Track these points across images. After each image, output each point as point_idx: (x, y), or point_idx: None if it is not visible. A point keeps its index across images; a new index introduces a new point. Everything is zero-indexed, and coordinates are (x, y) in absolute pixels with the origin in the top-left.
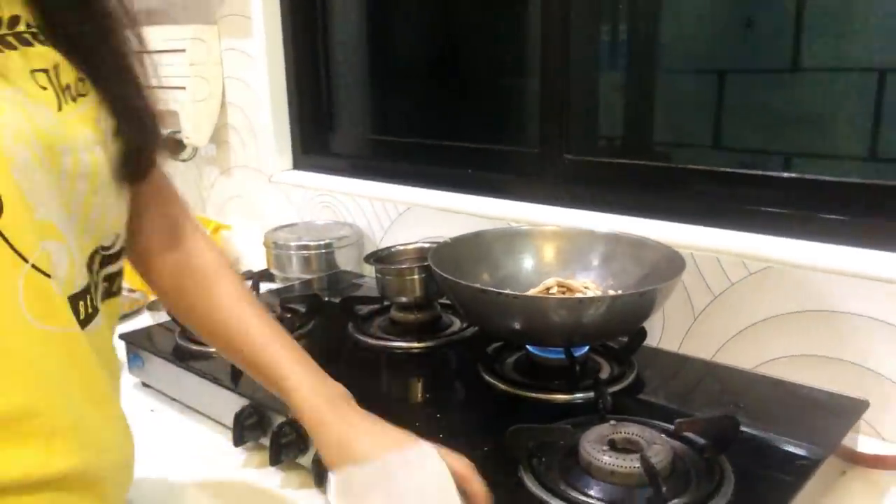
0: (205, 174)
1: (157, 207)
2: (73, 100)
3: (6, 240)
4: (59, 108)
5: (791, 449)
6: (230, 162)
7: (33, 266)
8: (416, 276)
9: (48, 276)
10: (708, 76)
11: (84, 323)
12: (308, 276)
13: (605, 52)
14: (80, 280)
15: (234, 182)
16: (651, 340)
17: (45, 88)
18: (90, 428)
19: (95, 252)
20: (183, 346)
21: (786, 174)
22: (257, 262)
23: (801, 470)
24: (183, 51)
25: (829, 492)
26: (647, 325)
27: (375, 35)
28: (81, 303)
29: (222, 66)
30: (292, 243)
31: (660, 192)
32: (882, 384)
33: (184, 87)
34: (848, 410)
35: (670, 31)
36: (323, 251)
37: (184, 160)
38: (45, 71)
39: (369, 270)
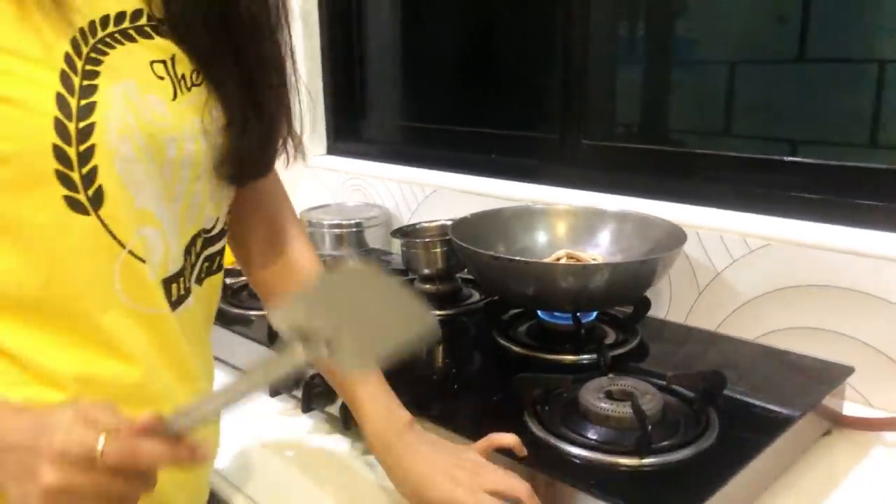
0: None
1: (261, 213)
2: (188, 89)
3: (106, 227)
4: (174, 98)
5: (774, 407)
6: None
7: (130, 252)
8: (438, 249)
9: (143, 261)
10: (720, 66)
11: (175, 305)
12: (339, 253)
13: (623, 44)
14: (174, 264)
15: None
16: (659, 313)
17: (161, 78)
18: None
19: (197, 235)
20: (224, 310)
21: (787, 158)
22: None
23: (779, 423)
24: None
25: (814, 448)
26: (654, 299)
27: (407, 27)
28: (174, 285)
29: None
30: (325, 222)
31: (670, 176)
32: (870, 353)
33: None
34: (833, 376)
35: (686, 24)
36: (353, 230)
37: None
38: (164, 62)
39: (396, 248)
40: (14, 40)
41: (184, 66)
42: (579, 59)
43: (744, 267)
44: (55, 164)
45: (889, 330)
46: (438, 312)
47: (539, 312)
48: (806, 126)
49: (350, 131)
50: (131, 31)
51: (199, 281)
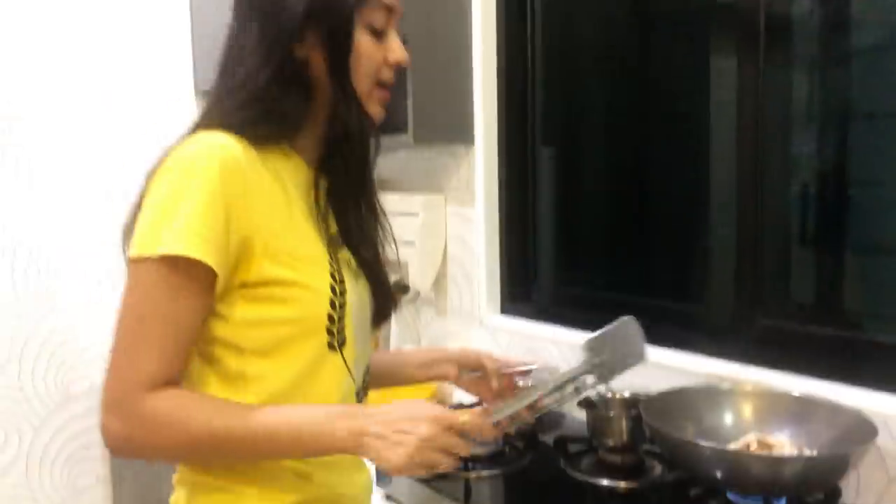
0: (422, 313)
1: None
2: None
3: (344, 360)
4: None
5: None
6: (446, 305)
7: (350, 375)
8: (623, 423)
9: (354, 381)
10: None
11: None
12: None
13: (796, 221)
14: (361, 381)
15: (447, 323)
16: (847, 498)
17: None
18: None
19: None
20: None
21: None
22: (468, 397)
23: None
24: (416, 214)
25: None
26: (843, 484)
27: (569, 205)
28: (357, 396)
29: (446, 227)
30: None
31: (851, 360)
32: None
33: (413, 242)
34: None
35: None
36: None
37: (407, 302)
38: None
39: (570, 409)
40: (299, 245)
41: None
42: (753, 238)
43: None
44: (327, 324)
45: None
46: (623, 485)
47: (728, 494)
48: None
49: (522, 294)
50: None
51: (365, 391)
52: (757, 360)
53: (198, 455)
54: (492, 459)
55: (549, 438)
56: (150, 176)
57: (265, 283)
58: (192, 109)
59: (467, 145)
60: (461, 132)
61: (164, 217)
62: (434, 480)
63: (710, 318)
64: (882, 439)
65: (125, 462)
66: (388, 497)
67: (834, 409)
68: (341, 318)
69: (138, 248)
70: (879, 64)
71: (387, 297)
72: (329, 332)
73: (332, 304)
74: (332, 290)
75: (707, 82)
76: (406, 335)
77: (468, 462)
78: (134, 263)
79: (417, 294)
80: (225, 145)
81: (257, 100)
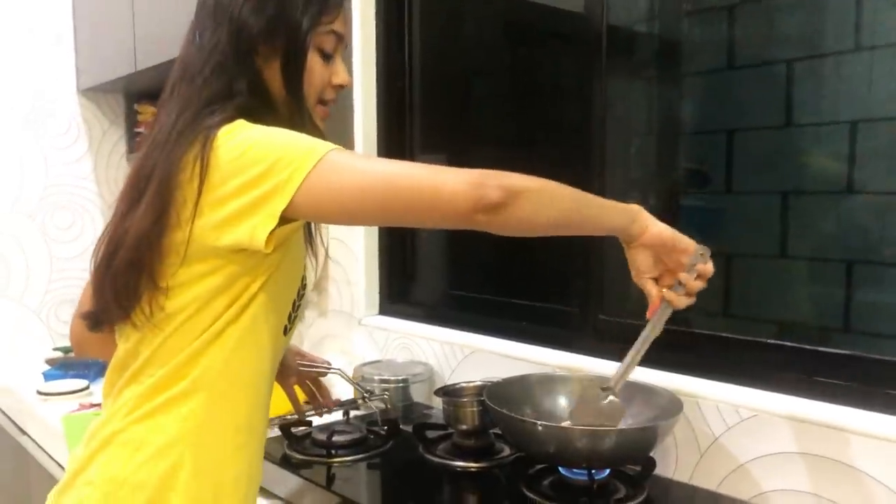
0: (305, 314)
1: None
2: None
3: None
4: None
5: None
6: (327, 306)
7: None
8: (475, 409)
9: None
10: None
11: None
12: (384, 406)
13: None
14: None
15: (329, 323)
16: (667, 472)
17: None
18: None
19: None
20: (289, 455)
21: (775, 341)
22: (347, 392)
23: None
24: None
25: None
26: (663, 459)
27: None
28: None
29: (328, 230)
30: (376, 377)
31: (676, 350)
32: None
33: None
34: None
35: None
36: (401, 385)
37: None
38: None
39: (437, 403)
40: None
41: None
42: (595, 247)
43: (737, 434)
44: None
45: (858, 495)
46: (473, 465)
47: (560, 468)
48: (789, 311)
49: (400, 294)
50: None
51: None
52: (597, 352)
53: (559, 204)
54: (354, 446)
55: (409, 426)
56: (214, 151)
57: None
58: (74, 108)
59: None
60: (341, 141)
61: (292, 143)
62: (300, 468)
63: (563, 317)
64: (695, 419)
65: None
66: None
67: (650, 391)
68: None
69: (320, 150)
70: (713, 83)
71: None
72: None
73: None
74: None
75: (575, 92)
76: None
77: (330, 449)
78: (332, 157)
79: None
80: None
81: (240, 110)
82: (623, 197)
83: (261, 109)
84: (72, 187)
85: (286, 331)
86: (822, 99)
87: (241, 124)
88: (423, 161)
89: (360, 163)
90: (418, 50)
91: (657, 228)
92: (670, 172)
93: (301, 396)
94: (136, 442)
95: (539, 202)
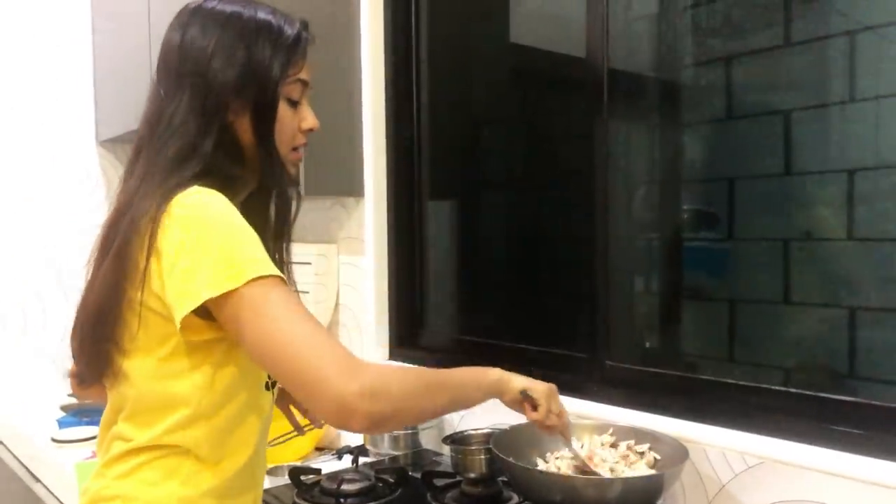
0: None
1: None
2: None
3: (273, 394)
4: None
5: None
6: None
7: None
8: (482, 457)
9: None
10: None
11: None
12: (396, 453)
13: (640, 283)
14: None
15: None
16: None
17: None
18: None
19: None
20: (298, 503)
21: (780, 387)
22: (355, 439)
23: None
24: (309, 263)
25: None
26: None
27: (462, 255)
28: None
29: (338, 276)
30: None
31: (682, 396)
32: None
33: (307, 292)
34: None
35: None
36: (409, 432)
37: None
38: None
39: (446, 450)
40: None
41: None
42: (603, 295)
43: (745, 481)
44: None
45: None
46: None
47: None
48: (794, 357)
49: (410, 339)
50: None
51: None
52: (606, 399)
53: (431, 396)
54: (363, 494)
55: (418, 473)
56: (159, 228)
57: None
58: (93, 158)
59: (357, 197)
60: (351, 184)
61: (235, 248)
62: None
63: (571, 362)
64: (702, 465)
65: None
66: None
67: (655, 438)
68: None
69: (249, 273)
70: (717, 131)
71: None
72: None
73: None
74: None
75: (580, 137)
76: None
77: (340, 497)
78: (251, 286)
79: None
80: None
81: (209, 168)
82: (627, 240)
83: (227, 164)
84: (90, 235)
85: (269, 386)
86: (820, 147)
87: (197, 196)
88: (433, 207)
89: (277, 309)
90: (426, 97)
91: (516, 386)
92: (673, 217)
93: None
94: (123, 498)
95: (399, 421)
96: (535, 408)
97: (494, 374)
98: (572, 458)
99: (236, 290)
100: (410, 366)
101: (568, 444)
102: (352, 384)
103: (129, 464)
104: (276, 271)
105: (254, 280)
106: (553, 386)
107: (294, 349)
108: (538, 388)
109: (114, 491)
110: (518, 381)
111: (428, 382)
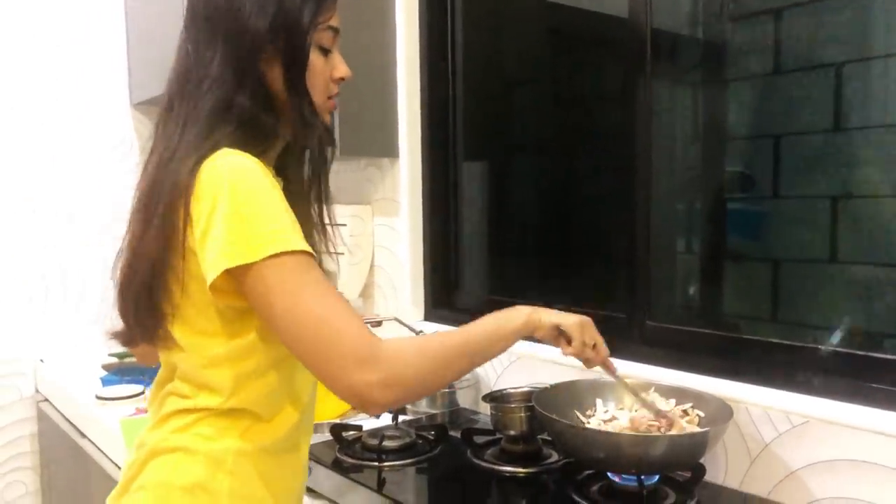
0: None
1: None
2: None
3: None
4: None
5: None
6: (373, 313)
7: None
8: (522, 414)
9: None
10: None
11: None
12: (434, 412)
13: (681, 244)
14: None
15: (374, 329)
16: (717, 478)
17: None
18: None
19: None
20: (341, 459)
21: (825, 346)
22: None
23: None
24: (344, 225)
25: None
26: (713, 465)
27: (496, 216)
28: None
29: (374, 237)
30: None
31: (726, 356)
32: None
33: (342, 254)
34: None
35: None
36: (447, 391)
37: None
38: None
39: (484, 409)
40: None
41: None
42: (643, 254)
43: (789, 440)
44: None
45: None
46: (521, 470)
47: (608, 474)
48: (838, 315)
49: (446, 300)
50: None
51: None
52: (646, 358)
53: (449, 368)
54: (404, 450)
55: (457, 432)
56: (192, 196)
57: None
58: (127, 121)
59: (391, 158)
60: (386, 145)
61: (259, 220)
62: (351, 471)
63: (611, 321)
64: (745, 425)
65: (55, 473)
66: (309, 490)
67: (699, 397)
68: None
69: (269, 247)
70: (760, 88)
71: None
72: None
73: None
74: None
75: (619, 97)
76: None
77: (382, 453)
78: (269, 262)
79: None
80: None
81: (244, 121)
82: (668, 201)
83: (263, 117)
84: (125, 198)
85: None
86: (871, 102)
87: (227, 160)
88: (467, 168)
89: (295, 287)
90: (461, 57)
91: (548, 322)
92: (716, 177)
93: None
94: (181, 450)
95: (417, 397)
96: (569, 342)
97: (520, 316)
98: (641, 410)
99: (254, 263)
100: (438, 329)
101: (613, 375)
102: (367, 374)
103: (186, 419)
104: (301, 245)
105: (274, 256)
106: (586, 318)
107: (311, 332)
108: (569, 320)
109: (173, 443)
110: (549, 317)
111: (446, 353)
